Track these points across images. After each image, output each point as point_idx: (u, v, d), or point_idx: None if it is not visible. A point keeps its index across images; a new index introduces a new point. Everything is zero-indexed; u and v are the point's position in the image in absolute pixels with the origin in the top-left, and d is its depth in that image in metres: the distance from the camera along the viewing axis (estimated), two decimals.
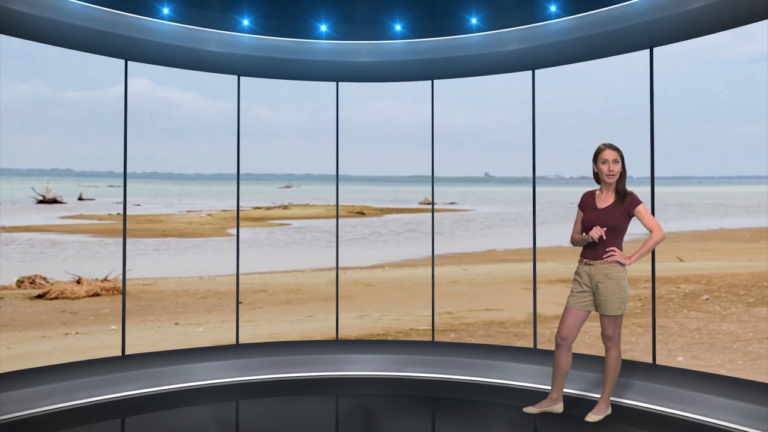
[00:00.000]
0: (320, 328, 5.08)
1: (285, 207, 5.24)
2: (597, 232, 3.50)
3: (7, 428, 3.54)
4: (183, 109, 4.61)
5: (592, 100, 4.45)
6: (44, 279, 4.72)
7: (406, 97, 4.86)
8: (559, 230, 4.59)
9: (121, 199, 4.30)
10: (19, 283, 4.60)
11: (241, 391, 4.36)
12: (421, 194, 5.08)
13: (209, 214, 5.31)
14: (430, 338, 4.99)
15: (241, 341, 4.82)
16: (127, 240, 4.46)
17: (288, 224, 5.35)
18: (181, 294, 4.97)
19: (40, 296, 4.68)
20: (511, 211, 5.17)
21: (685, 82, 4.00)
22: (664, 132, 3.86)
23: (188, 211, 5.21)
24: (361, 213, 5.29)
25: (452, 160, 4.84)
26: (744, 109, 3.83)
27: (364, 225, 5.28)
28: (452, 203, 5.18)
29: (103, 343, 4.44)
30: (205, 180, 5.01)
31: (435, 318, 5.00)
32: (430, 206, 5.11)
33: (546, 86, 4.50)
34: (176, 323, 4.79)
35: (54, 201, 4.78)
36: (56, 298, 4.71)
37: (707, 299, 4.38)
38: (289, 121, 4.54)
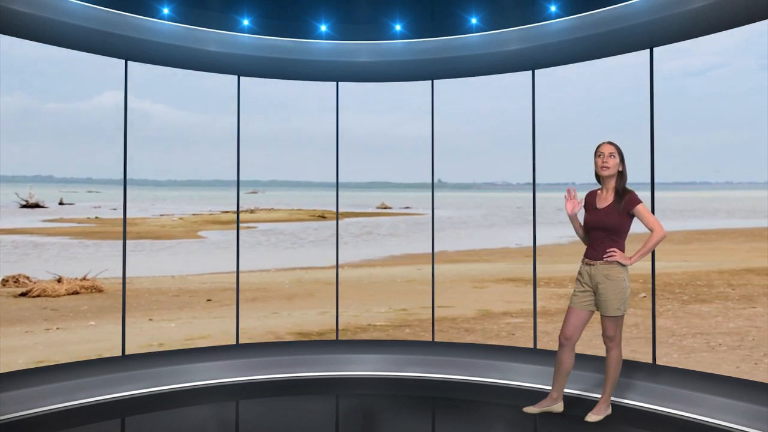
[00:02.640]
0: (284, 324, 5.35)
1: (251, 211, 5.47)
2: (569, 198, 3.58)
3: (7, 428, 3.54)
4: (156, 120, 4.94)
5: (538, 109, 4.79)
6: (27, 278, 5.02)
7: (365, 109, 5.11)
8: (506, 233, 4.90)
9: (100, 204, 4.52)
10: (4, 282, 4.90)
11: (241, 391, 4.36)
12: (377, 199, 5.49)
13: (181, 218, 5.67)
14: (391, 335, 5.12)
15: (212, 336, 4.92)
16: (105, 242, 4.75)
17: (254, 227, 5.67)
18: (155, 292, 5.28)
19: (23, 294, 4.97)
20: (462, 215, 5.52)
21: (623, 95, 4.32)
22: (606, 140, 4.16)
23: (161, 215, 5.57)
24: (322, 217, 5.69)
25: (407, 167, 5.16)
26: (678, 120, 4.13)
27: (325, 228, 5.68)
28: (407, 207, 5.58)
29: (82, 338, 4.71)
30: (177, 186, 5.37)
31: (391, 315, 5.20)
32: (386, 210, 5.54)
33: (495, 97, 4.80)
34: (150, 319, 5.07)
35: (36, 205, 5.09)
36: (38, 296, 5.00)
37: (644, 297, 4.67)
38: (257, 130, 4.76)
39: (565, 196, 3.68)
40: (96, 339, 4.56)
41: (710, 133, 4.05)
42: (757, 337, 4.48)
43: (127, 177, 4.52)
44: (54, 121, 4.48)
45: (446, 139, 5.08)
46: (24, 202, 5.00)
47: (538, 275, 3.83)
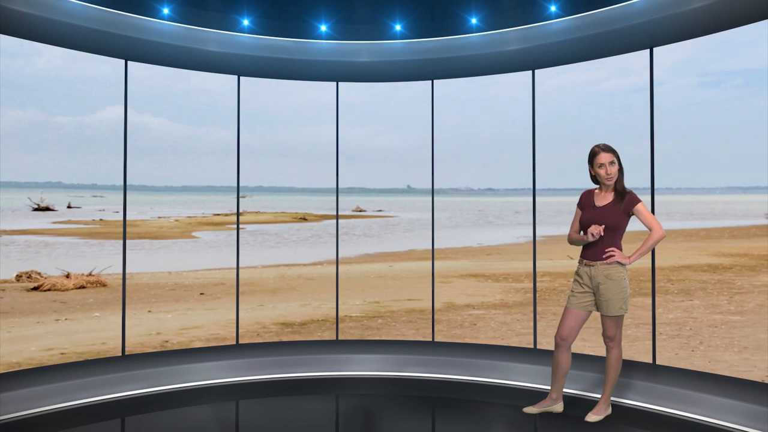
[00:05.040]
0: (270, 315, 5.89)
1: (240, 214, 6.10)
2: (596, 230, 3.49)
3: (7, 428, 3.54)
4: (154, 132, 5.57)
5: (494, 123, 5.33)
6: (39, 274, 5.68)
7: (343, 121, 5.35)
8: (469, 233, 5.54)
9: (104, 207, 4.98)
10: (18, 277, 5.57)
11: (241, 391, 4.36)
12: (353, 203, 6.14)
13: (177, 220, 6.45)
14: (365, 325, 5.37)
15: (205, 326, 5.14)
16: (108, 241, 5.31)
17: (242, 228, 6.28)
18: (153, 287, 5.90)
19: (35, 288, 5.60)
20: (429, 217, 6.51)
21: (573, 110, 4.69)
22: (558, 149, 4.61)
23: (159, 217, 6.33)
24: (303, 219, 6.52)
25: (380, 174, 5.77)
26: (624, 131, 4.47)
27: (306, 229, 6.52)
28: (380, 210, 6.47)
29: (87, 327, 5.24)
30: (173, 191, 5.95)
31: (365, 307, 5.85)
32: (361, 213, 6.29)
33: (456, 112, 5.13)
34: (149, 311, 5.62)
35: (47, 209, 5.83)
36: (49, 290, 5.62)
37: None
38: (243, 140, 5.02)
39: (593, 234, 3.51)
40: (100, 329, 4.94)
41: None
42: (693, 327, 5.11)
43: (129, 183, 4.83)
44: (62, 133, 5.07)
45: (416, 148, 5.44)
46: (36, 206, 5.74)
47: (497, 272, 4.13)
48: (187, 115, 5.58)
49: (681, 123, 4.04)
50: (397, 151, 5.55)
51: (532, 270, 3.88)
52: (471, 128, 5.14)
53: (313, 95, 5.27)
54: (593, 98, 4.65)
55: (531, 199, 4.38)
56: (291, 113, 5.72)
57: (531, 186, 4.55)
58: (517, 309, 5.39)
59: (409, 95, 5.30)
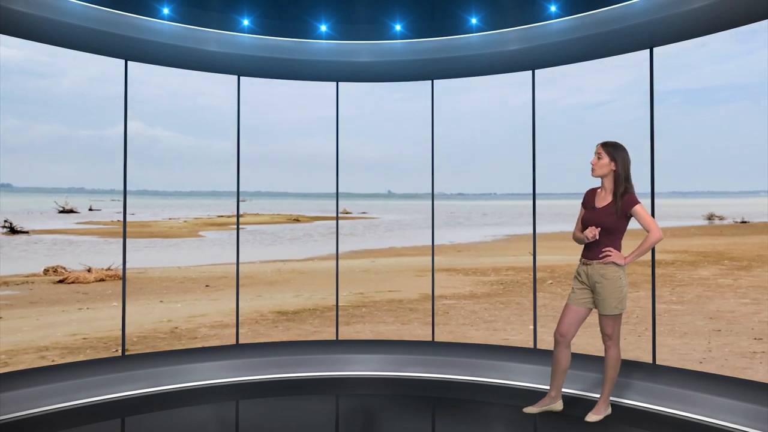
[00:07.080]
0: (267, 305, 6.59)
1: (241, 215, 6.76)
2: (591, 232, 3.51)
3: (7, 428, 3.54)
4: (165, 143, 6.29)
5: (465, 133, 5.91)
6: (64, 268, 6.52)
7: (331, 132, 5.61)
8: (442, 233, 6.05)
9: (121, 210, 5.31)
10: (46, 271, 6.41)
11: (241, 391, 4.36)
12: (340, 205, 6.91)
13: (185, 221, 7.25)
14: (351, 313, 5.63)
15: (210, 314, 5.39)
16: (124, 240, 5.80)
17: (242, 228, 7.00)
18: (164, 280, 6.68)
19: (60, 281, 6.44)
20: (407, 219, 7.13)
21: (538, 123, 5.04)
22: (521, 159, 4.93)
23: (169, 219, 7.13)
24: (296, 220, 7.29)
25: (364, 181, 6.35)
26: (580, 143, 4.87)
27: (299, 229, 7.28)
28: (364, 212, 7.24)
29: (106, 315, 6.00)
30: (182, 196, 6.80)
31: (351, 297, 6.26)
32: (347, 215, 7.02)
33: (429, 122, 5.33)
34: (161, 301, 6.36)
35: (71, 211, 6.67)
36: (73, 282, 6.45)
37: (551, 283, 5.89)
38: (243, 150, 5.29)
39: (588, 236, 3.55)
40: (118, 316, 5.30)
41: None
42: (640, 315, 5.70)
43: (143, 189, 5.33)
44: (85, 145, 5.70)
45: (395, 158, 6.10)
46: (61, 209, 6.58)
47: (467, 266, 4.53)
48: (194, 129, 6.35)
49: (631, 135, 4.50)
50: (379, 160, 6.29)
51: (496, 265, 4.18)
52: (442, 138, 5.59)
53: (305, 111, 5.65)
54: (552, 114, 5.14)
55: (498, 203, 4.84)
56: (286, 126, 6.38)
57: (498, 192, 5.05)
58: (484, 299, 6.22)
59: (393, 109, 5.70)
